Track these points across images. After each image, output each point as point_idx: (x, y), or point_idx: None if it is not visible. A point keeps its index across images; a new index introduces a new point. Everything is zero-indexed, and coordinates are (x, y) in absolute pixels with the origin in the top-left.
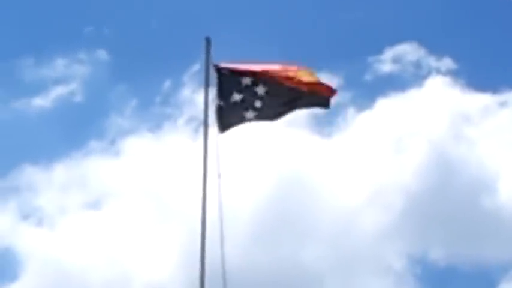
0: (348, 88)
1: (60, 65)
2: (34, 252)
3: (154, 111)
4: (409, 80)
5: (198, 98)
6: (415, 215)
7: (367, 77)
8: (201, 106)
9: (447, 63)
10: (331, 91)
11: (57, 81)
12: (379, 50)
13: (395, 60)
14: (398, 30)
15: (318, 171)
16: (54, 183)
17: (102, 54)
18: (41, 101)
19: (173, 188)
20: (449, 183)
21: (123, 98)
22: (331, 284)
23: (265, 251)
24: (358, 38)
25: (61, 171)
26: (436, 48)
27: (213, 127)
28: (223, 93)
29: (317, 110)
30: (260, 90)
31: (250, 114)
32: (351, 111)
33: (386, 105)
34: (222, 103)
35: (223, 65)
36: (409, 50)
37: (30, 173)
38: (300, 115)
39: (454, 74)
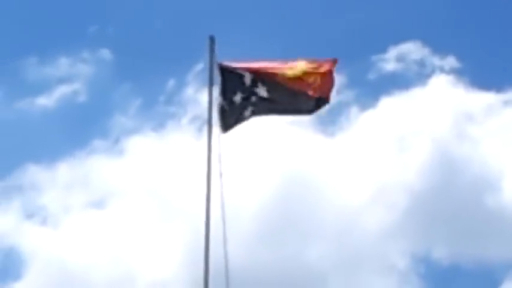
0: (352, 87)
1: (63, 64)
2: (38, 251)
3: (158, 111)
4: (413, 78)
5: (201, 97)
6: (419, 214)
7: (371, 75)
8: (205, 105)
9: (451, 62)
10: (331, 78)
11: (61, 81)
12: (383, 49)
13: (399, 59)
14: (402, 29)
15: (321, 170)
16: (57, 182)
17: (105, 53)
18: (44, 101)
19: (177, 187)
20: (453, 182)
21: (126, 97)
22: (335, 282)
23: (268, 250)
24: (362, 37)
25: (65, 170)
26: (439, 47)
27: (217, 126)
28: (226, 93)
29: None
30: (260, 89)
31: (248, 112)
32: (354, 110)
33: (390, 104)
34: (224, 103)
35: (226, 63)
36: (412, 49)
37: (34, 172)
38: None
39: (457, 72)
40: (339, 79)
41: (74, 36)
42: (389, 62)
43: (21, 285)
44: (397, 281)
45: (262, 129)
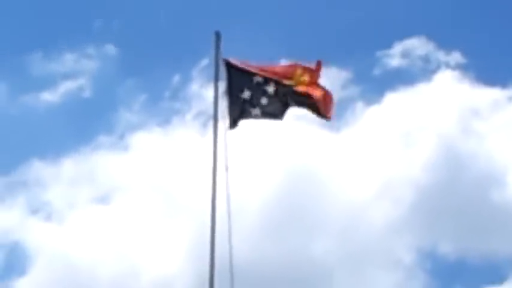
0: (357, 82)
1: (68, 59)
2: (43, 247)
3: (163, 106)
4: (418, 74)
5: (206, 93)
6: (424, 209)
7: (376, 71)
8: (210, 100)
9: (456, 57)
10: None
11: (66, 76)
12: (388, 45)
13: (404, 54)
14: (407, 24)
15: (326, 166)
16: (62, 178)
17: (110, 49)
18: (49, 96)
19: (181, 182)
20: (459, 177)
21: (131, 92)
22: (340, 277)
23: (273, 244)
24: (367, 33)
25: (70, 166)
26: (445, 43)
27: (222, 121)
28: (233, 89)
29: None
30: (270, 89)
31: (256, 111)
32: (359, 105)
33: (395, 100)
34: (231, 100)
35: (232, 60)
36: (417, 45)
37: (39, 168)
38: None
39: (463, 68)
40: (344, 75)
41: (79, 32)
42: (394, 57)
43: (26, 281)
44: (402, 276)
45: (268, 124)
